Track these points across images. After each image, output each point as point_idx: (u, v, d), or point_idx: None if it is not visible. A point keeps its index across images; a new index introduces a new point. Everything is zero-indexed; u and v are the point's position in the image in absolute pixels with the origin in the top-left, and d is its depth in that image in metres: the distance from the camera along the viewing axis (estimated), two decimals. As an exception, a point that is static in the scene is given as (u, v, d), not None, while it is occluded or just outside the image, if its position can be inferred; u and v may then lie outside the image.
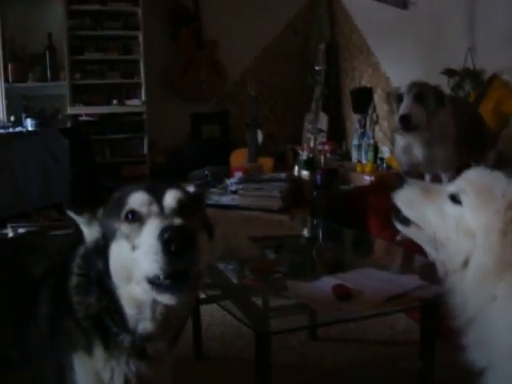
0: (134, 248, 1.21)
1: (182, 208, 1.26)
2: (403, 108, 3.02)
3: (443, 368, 2.39)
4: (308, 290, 2.01)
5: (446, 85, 4.56)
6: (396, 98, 3.13)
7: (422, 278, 2.06)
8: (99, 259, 1.30)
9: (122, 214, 1.26)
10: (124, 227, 1.25)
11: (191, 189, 1.38)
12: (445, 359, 2.42)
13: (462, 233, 1.31)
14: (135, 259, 1.21)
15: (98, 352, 1.34)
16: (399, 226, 1.49)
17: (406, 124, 3.00)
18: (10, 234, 4.49)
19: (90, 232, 1.33)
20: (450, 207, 1.35)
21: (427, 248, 1.42)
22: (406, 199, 1.44)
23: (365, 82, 6.23)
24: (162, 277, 1.17)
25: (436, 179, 3.40)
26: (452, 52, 4.74)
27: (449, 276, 1.35)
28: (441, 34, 4.99)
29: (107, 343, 1.33)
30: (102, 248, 1.29)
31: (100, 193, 5.54)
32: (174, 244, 1.14)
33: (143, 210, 1.25)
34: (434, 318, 2.32)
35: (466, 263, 1.30)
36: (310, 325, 2.40)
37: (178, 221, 1.20)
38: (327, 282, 2.00)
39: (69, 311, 1.35)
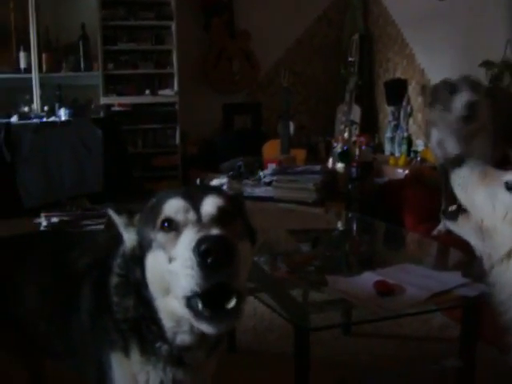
0: (170, 260, 1.13)
1: (221, 215, 1.17)
2: (467, 95, 2.89)
3: (482, 367, 2.35)
4: (348, 285, 1.98)
5: (483, 77, 4.48)
6: (448, 87, 2.99)
7: (464, 275, 2.02)
8: (136, 267, 1.24)
9: (158, 223, 1.18)
10: (160, 237, 1.17)
11: (230, 192, 1.34)
12: (484, 358, 2.39)
13: (510, 222, 1.30)
14: (172, 272, 1.12)
15: (135, 355, 1.30)
16: (446, 221, 1.50)
17: (473, 112, 2.90)
18: (44, 223, 4.53)
19: (128, 236, 1.28)
20: (502, 194, 1.35)
21: (473, 240, 1.42)
22: (462, 179, 1.43)
23: (399, 74, 6.14)
24: (198, 290, 1.07)
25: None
26: (490, 44, 4.64)
27: (494, 267, 1.34)
28: (479, 25, 4.87)
29: (144, 348, 1.30)
30: (138, 257, 1.23)
31: (132, 183, 5.58)
32: (211, 257, 1.04)
33: (180, 217, 1.16)
34: (475, 316, 2.28)
35: (510, 254, 1.30)
36: (350, 321, 2.36)
37: (215, 231, 1.10)
38: (368, 278, 1.97)
39: (108, 310, 1.32)
